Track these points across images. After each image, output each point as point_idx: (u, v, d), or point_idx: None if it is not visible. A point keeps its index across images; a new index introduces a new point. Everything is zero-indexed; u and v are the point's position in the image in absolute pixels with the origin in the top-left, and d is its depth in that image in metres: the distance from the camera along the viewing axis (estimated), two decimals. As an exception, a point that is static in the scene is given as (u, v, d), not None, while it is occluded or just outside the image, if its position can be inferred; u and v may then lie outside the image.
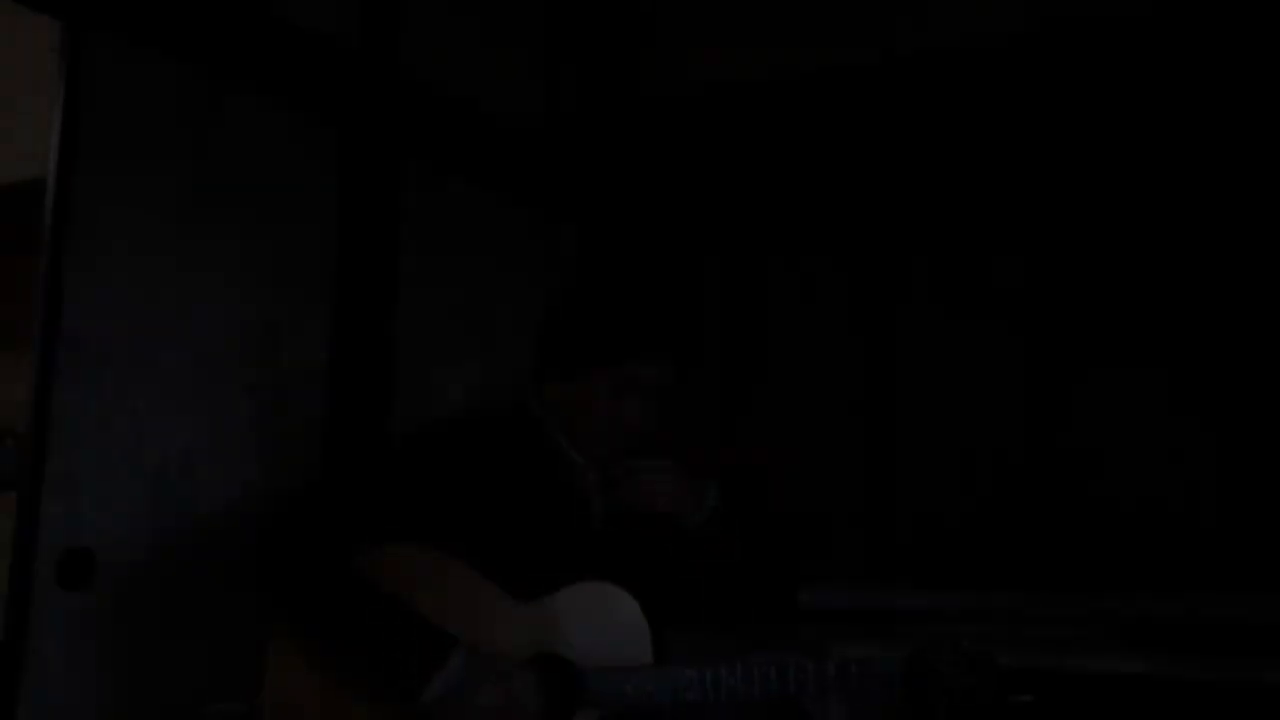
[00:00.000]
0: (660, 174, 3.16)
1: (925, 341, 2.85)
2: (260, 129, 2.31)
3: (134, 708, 1.97)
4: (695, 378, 1.86)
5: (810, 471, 2.92)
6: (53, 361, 1.92)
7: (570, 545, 1.74)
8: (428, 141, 2.74)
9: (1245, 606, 2.27)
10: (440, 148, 2.77)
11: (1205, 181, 2.60)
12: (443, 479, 1.69)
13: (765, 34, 2.93)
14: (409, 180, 2.68)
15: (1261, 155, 2.55)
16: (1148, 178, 2.64)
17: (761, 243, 3.10)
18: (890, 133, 2.85)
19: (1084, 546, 2.61)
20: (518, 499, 1.72)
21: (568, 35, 3.23)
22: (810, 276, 3.00)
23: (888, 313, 2.90)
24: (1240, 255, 2.57)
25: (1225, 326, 2.57)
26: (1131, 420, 2.62)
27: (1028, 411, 2.72)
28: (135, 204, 2.06)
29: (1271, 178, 2.51)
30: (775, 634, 2.55)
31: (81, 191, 1.96)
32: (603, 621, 1.66)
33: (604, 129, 3.15)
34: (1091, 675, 2.11)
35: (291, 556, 1.60)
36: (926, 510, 2.80)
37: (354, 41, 2.53)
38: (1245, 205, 2.55)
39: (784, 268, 3.05)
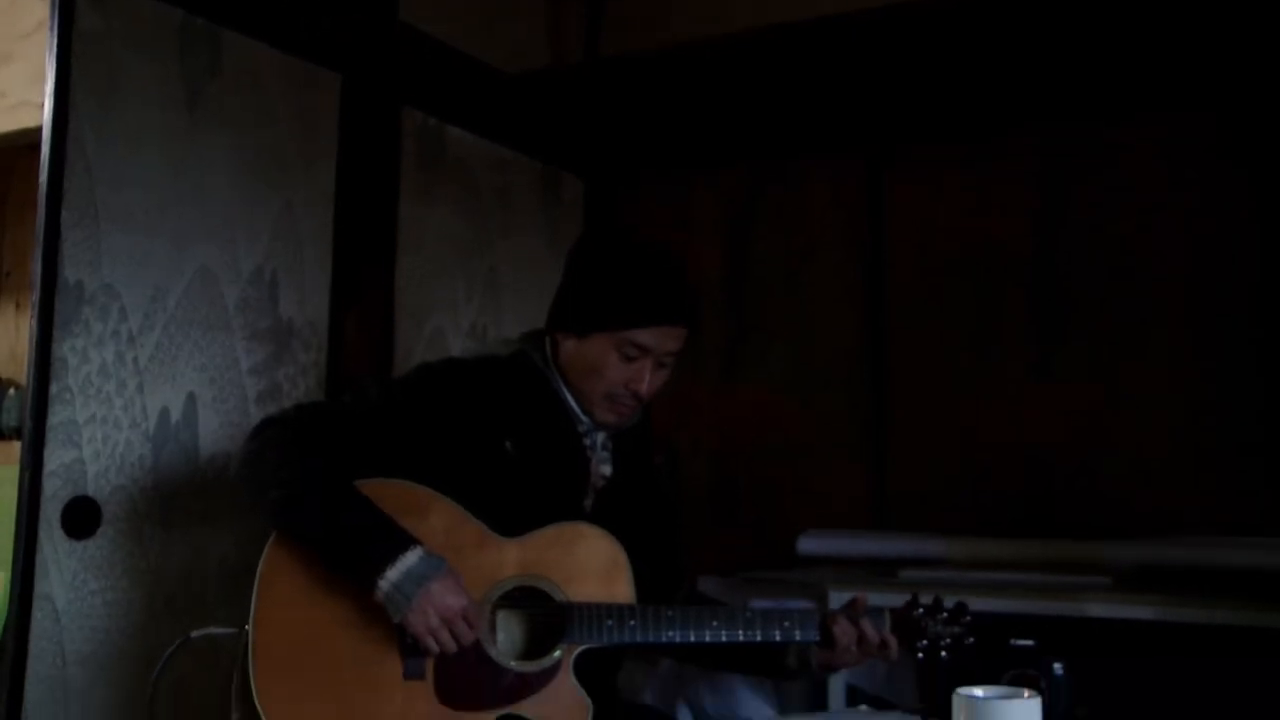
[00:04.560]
0: (665, 124, 3.12)
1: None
2: (260, 75, 2.29)
3: (139, 652, 2.00)
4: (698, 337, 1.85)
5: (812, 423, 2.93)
6: (53, 312, 1.92)
7: (562, 505, 1.74)
8: (429, 89, 2.71)
9: (1244, 550, 2.27)
10: (442, 95, 2.75)
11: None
12: (439, 416, 1.70)
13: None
14: (409, 128, 2.67)
15: None
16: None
17: (761, 200, 3.08)
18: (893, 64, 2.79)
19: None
20: (514, 444, 1.73)
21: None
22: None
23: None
24: None
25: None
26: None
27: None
28: (132, 151, 2.05)
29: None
30: (774, 581, 2.58)
31: (77, 140, 1.95)
32: (585, 557, 1.68)
33: (609, 79, 3.10)
34: (1091, 620, 2.12)
35: (286, 437, 1.64)
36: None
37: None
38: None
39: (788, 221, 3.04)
